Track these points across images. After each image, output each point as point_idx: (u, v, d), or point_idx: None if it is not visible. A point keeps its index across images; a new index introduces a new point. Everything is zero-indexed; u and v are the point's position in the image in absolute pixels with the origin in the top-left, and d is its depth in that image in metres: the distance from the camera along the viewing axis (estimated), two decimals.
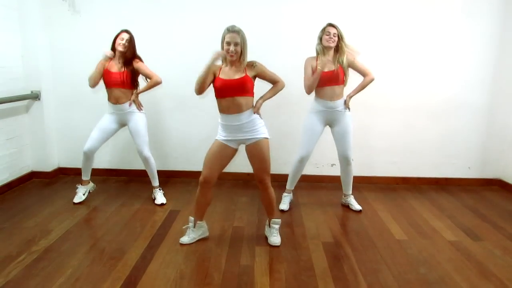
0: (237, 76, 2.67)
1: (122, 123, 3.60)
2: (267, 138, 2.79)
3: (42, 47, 4.17)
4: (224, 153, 2.78)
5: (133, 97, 3.52)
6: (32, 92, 4.14)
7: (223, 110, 2.74)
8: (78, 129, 4.37)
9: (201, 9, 4.12)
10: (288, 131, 4.20)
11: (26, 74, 4.12)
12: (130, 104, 3.51)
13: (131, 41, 3.43)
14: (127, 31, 3.43)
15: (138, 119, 3.55)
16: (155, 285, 2.38)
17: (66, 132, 4.42)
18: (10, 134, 4.00)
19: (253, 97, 2.78)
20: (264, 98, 2.82)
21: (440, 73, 4.20)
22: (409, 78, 4.20)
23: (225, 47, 2.63)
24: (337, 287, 2.39)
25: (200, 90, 2.73)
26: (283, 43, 4.13)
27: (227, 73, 2.70)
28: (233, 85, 2.65)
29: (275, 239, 2.91)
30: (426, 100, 4.24)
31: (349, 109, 3.42)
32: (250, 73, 2.71)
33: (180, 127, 4.38)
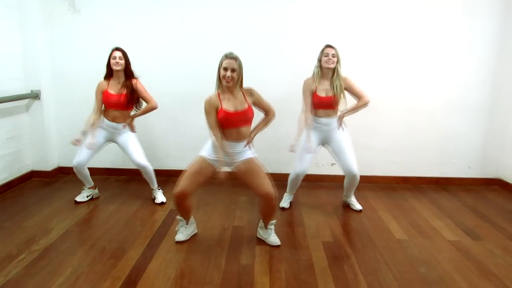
0: (240, 106, 2.70)
1: (110, 140, 3.59)
2: (254, 156, 2.83)
3: (42, 46, 4.17)
4: (206, 171, 2.79)
5: (128, 120, 3.55)
6: (32, 91, 4.14)
7: (227, 138, 2.76)
8: (78, 129, 4.33)
9: (202, 8, 4.11)
10: (287, 130, 4.20)
11: (26, 73, 4.12)
12: (124, 126, 3.53)
13: (125, 57, 3.41)
14: (118, 49, 3.40)
15: (129, 135, 3.57)
16: (155, 284, 2.38)
17: (66, 132, 4.40)
18: (10, 133, 4.00)
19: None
20: (257, 130, 2.89)
21: (440, 73, 4.19)
22: (409, 78, 4.20)
23: (222, 72, 2.64)
24: (337, 287, 2.39)
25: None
26: (286, 43, 4.13)
27: (229, 103, 2.69)
28: (239, 117, 2.69)
29: (274, 239, 2.91)
30: (427, 100, 4.24)
31: (343, 127, 3.42)
32: (249, 101, 2.75)
33: (179, 126, 4.38)
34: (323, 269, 2.58)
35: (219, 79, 2.68)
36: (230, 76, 2.62)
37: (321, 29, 4.07)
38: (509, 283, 2.46)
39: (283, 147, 4.22)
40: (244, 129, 2.75)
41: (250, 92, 2.76)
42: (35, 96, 4.15)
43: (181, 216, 2.92)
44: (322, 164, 4.35)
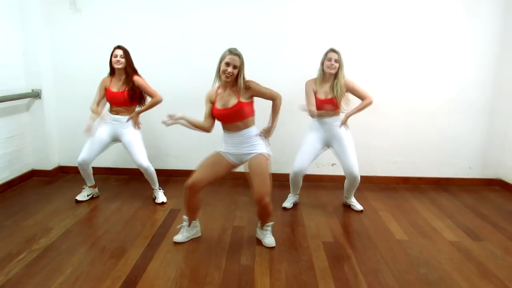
0: (231, 103, 2.69)
1: (115, 137, 3.56)
2: (269, 153, 2.81)
3: (43, 45, 4.17)
4: (220, 163, 2.81)
5: (133, 114, 3.52)
6: (33, 90, 4.14)
7: (224, 128, 2.83)
8: (78, 128, 4.32)
9: (203, 8, 4.11)
10: (289, 130, 4.20)
11: (27, 72, 4.13)
12: (128, 120, 3.51)
13: (126, 56, 3.41)
14: (119, 47, 3.41)
15: (133, 133, 3.53)
16: (156, 284, 2.38)
17: (67, 131, 4.42)
18: (11, 132, 4.00)
19: (253, 116, 2.81)
20: (273, 122, 2.87)
21: (441, 74, 4.19)
22: (410, 78, 4.20)
23: (223, 67, 2.64)
24: (337, 287, 2.39)
25: (205, 130, 2.86)
26: (286, 43, 4.12)
27: (222, 100, 2.73)
28: (228, 114, 2.71)
29: (269, 240, 2.90)
30: (427, 100, 4.23)
31: (347, 127, 3.42)
32: (244, 97, 2.70)
33: (180, 126, 4.36)
34: (323, 269, 2.58)
35: (219, 72, 2.68)
36: (231, 72, 2.62)
37: (323, 30, 4.06)
38: (510, 283, 2.45)
39: (283, 147, 4.24)
40: (239, 124, 2.75)
41: (247, 86, 2.71)
42: (36, 95, 4.15)
43: (187, 214, 2.90)
44: (322, 164, 4.34)
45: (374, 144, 4.30)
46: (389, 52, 4.15)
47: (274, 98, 2.83)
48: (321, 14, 4.06)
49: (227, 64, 2.62)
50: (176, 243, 2.88)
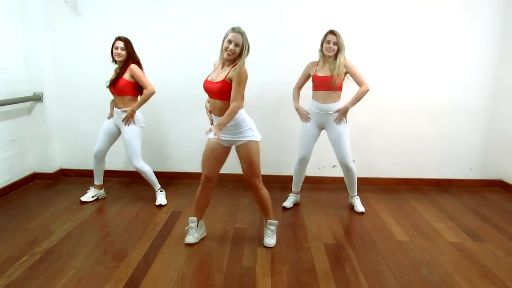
0: (219, 78, 2.67)
1: (119, 128, 3.57)
2: (255, 140, 2.76)
3: (44, 49, 4.19)
4: (217, 151, 2.80)
5: (128, 111, 3.44)
6: (34, 93, 4.15)
7: (211, 110, 2.80)
8: (80, 131, 4.38)
9: (203, 11, 4.13)
10: (289, 132, 4.21)
11: (28, 76, 4.14)
12: (123, 120, 3.46)
13: (127, 47, 3.39)
14: (120, 38, 3.39)
15: (131, 130, 3.48)
16: (157, 286, 2.38)
17: (68, 134, 4.43)
18: (13, 135, 4.02)
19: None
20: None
21: (441, 75, 4.20)
22: (410, 80, 4.21)
23: (225, 44, 2.63)
24: None
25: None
26: (287, 44, 4.14)
27: (215, 73, 2.73)
28: (212, 88, 2.69)
29: (269, 240, 2.91)
30: (427, 102, 4.24)
31: (345, 121, 3.40)
32: (228, 77, 2.63)
33: (181, 128, 4.39)
34: (324, 271, 2.59)
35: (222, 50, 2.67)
36: (232, 49, 2.61)
37: (323, 31, 4.07)
38: (511, 284, 2.46)
39: (283, 149, 4.25)
40: (219, 103, 2.67)
41: (235, 68, 2.64)
42: (37, 98, 4.17)
43: (196, 213, 2.92)
44: (323, 166, 4.35)
45: (374, 145, 4.31)
46: (390, 53, 4.16)
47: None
48: (322, 16, 4.07)
49: (229, 41, 2.62)
50: (188, 244, 2.89)
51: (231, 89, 2.61)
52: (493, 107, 4.26)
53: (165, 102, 4.30)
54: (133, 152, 3.52)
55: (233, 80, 2.59)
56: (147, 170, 3.61)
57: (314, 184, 4.29)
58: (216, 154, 2.80)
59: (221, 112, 2.69)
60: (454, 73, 4.20)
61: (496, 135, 4.30)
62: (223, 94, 2.65)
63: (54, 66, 4.30)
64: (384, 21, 4.11)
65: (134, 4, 4.15)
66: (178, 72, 4.24)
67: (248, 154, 2.74)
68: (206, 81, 2.73)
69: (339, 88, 3.36)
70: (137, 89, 3.49)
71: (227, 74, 2.62)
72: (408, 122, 4.28)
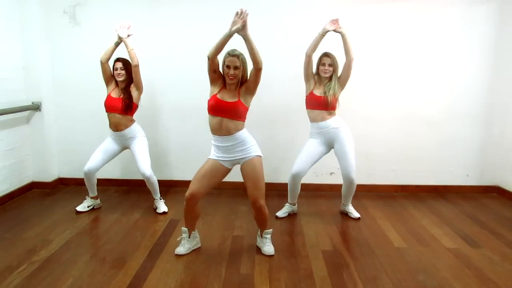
0: (231, 99, 2.69)
1: (124, 147, 3.67)
2: (259, 156, 2.81)
3: (43, 58, 4.21)
4: (216, 171, 2.80)
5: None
6: (33, 103, 4.17)
7: (213, 130, 2.77)
8: (78, 140, 4.39)
9: (200, 20, 4.17)
10: (288, 140, 4.23)
11: (27, 85, 4.17)
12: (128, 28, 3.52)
13: (126, 67, 3.49)
14: (119, 60, 3.50)
15: (141, 142, 3.62)
16: None
17: (67, 143, 4.44)
18: (11, 145, 4.02)
19: (243, 122, 2.79)
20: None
21: (438, 82, 4.24)
22: (407, 87, 4.25)
23: (225, 70, 2.67)
24: None
25: (214, 54, 2.65)
26: (283, 52, 4.17)
27: (224, 94, 2.72)
28: (224, 106, 2.68)
29: (269, 248, 2.92)
30: (424, 108, 4.28)
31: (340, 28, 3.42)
32: (243, 97, 2.71)
33: (181, 137, 4.40)
34: (322, 278, 2.59)
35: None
36: (233, 74, 2.65)
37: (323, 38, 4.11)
38: None
39: (281, 156, 4.26)
40: (229, 122, 2.70)
41: (244, 85, 2.71)
42: (36, 107, 4.19)
43: (186, 225, 2.90)
44: (321, 173, 4.37)
45: (372, 152, 4.33)
46: (387, 60, 4.20)
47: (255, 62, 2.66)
48: (318, 25, 4.10)
49: (228, 67, 2.65)
50: (177, 255, 2.87)
51: (244, 109, 2.72)
52: (489, 113, 4.29)
53: (164, 110, 4.33)
54: (146, 163, 3.58)
55: (250, 77, 2.69)
56: (155, 179, 3.65)
57: (311, 191, 4.30)
58: (216, 173, 2.80)
59: (228, 132, 2.71)
60: (451, 80, 4.24)
61: (492, 141, 4.33)
62: (237, 114, 2.70)
63: (52, 75, 4.32)
64: (381, 29, 4.15)
65: (132, 13, 4.19)
66: (177, 81, 4.27)
67: (254, 169, 2.75)
68: (216, 99, 2.69)
69: (333, 108, 3.42)
70: (134, 107, 3.61)
71: (238, 96, 2.68)
72: (405, 128, 4.31)
